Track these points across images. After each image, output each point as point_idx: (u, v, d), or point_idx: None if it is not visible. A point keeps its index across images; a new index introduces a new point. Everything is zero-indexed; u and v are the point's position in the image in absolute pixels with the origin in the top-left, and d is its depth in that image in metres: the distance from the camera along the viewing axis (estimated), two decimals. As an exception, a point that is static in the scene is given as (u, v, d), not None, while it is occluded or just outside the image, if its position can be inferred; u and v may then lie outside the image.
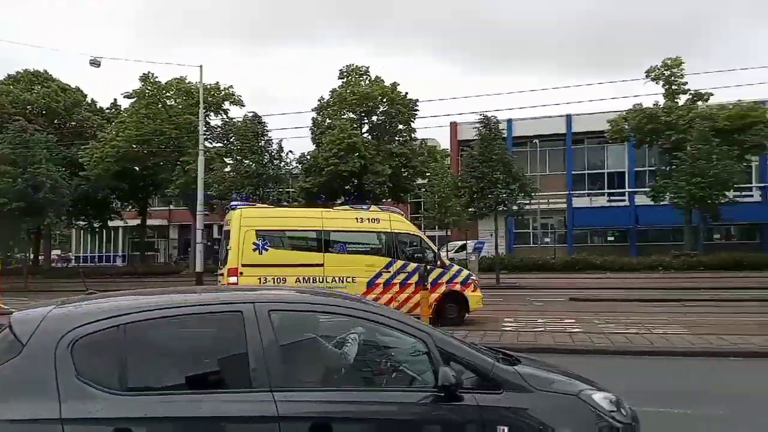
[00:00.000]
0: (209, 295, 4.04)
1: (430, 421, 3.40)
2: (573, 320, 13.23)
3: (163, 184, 37.31)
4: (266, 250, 11.81)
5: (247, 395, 3.14)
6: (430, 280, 12.36)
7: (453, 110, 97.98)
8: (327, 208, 15.26)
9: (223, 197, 30.27)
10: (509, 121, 38.82)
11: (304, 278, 11.82)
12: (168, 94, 37.77)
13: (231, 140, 34.96)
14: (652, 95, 32.03)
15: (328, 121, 34.87)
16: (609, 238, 40.88)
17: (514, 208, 26.19)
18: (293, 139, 72.49)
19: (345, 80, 36.14)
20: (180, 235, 51.43)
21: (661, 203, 31.99)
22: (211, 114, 37.31)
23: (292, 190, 35.53)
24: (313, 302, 3.91)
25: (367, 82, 35.88)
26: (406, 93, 35.28)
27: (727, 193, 28.92)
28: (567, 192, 40.35)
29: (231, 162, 33.14)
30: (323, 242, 12.35)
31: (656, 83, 31.66)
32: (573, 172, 41.21)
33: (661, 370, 8.86)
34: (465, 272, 13.65)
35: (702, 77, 58.96)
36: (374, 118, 36.05)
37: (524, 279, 25.59)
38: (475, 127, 26.65)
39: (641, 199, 36.16)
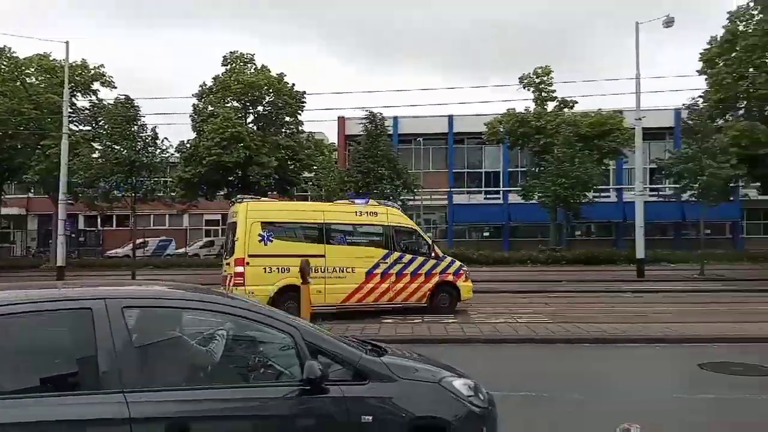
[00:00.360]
0: (56, 291, 3.73)
1: (295, 415, 3.40)
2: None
3: (20, 170, 33.74)
4: (271, 241, 12.28)
5: (96, 397, 2.96)
6: (423, 271, 13.38)
7: (341, 104, 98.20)
8: (328, 202, 15.38)
9: (89, 185, 28.01)
10: (395, 119, 39.68)
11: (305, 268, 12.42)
12: (28, 71, 34.18)
13: (100, 124, 32.41)
14: (524, 101, 34.43)
15: (210, 108, 33.49)
16: (485, 234, 43.22)
17: (398, 203, 26.83)
18: (170, 126, 68.63)
19: (229, 67, 34.90)
20: (40, 225, 46.94)
21: (531, 202, 34.42)
22: (78, 95, 34.32)
23: (170, 179, 33.73)
24: (173, 298, 3.72)
25: (253, 70, 34.92)
26: (293, 84, 34.85)
27: (587, 193, 31.72)
28: (448, 189, 42.08)
29: (100, 147, 30.68)
30: (324, 234, 12.82)
31: (528, 90, 33.98)
32: (454, 171, 43.05)
33: (524, 356, 9.55)
34: (457, 263, 14.23)
35: (569, 86, 64.10)
36: (260, 108, 35.19)
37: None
38: (362, 123, 26.95)
39: (514, 198, 38.63)
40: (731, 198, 32.00)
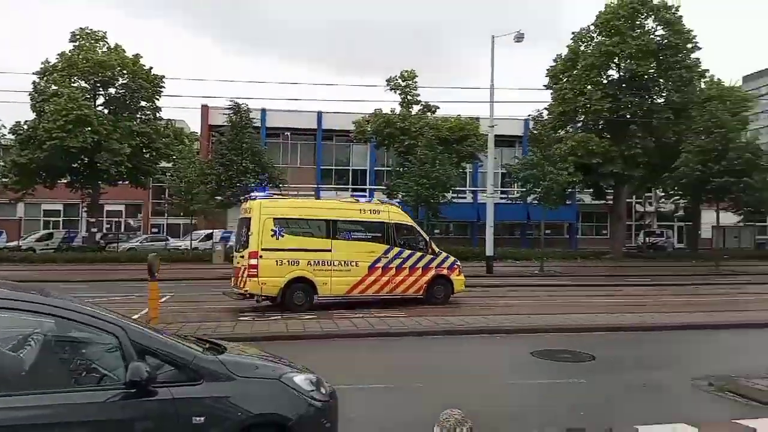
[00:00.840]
0: None
1: (117, 420, 3.19)
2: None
3: None
4: (282, 236, 13.07)
5: None
6: (420, 265, 14.38)
7: (206, 92, 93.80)
8: (334, 200, 16.34)
9: None
10: (263, 111, 38.82)
11: (314, 261, 13.31)
12: None
13: None
14: (392, 102, 35.47)
15: (53, 87, 30.25)
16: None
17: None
18: (5, 104, 61.02)
19: (77, 44, 31.78)
20: None
21: (395, 201, 35.46)
22: None
23: (1, 164, 29.97)
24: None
25: (105, 49, 32.13)
26: (151, 67, 32.62)
27: (446, 194, 33.42)
28: (316, 185, 42.04)
29: None
30: (331, 230, 13.65)
31: (394, 92, 35.03)
32: (322, 167, 43.10)
33: (376, 349, 9.83)
34: (451, 258, 15.11)
35: (433, 91, 66.97)
36: (112, 90, 32.50)
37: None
38: (226, 113, 25.98)
39: (380, 196, 39.56)
40: (569, 202, 35.57)
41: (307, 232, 13.67)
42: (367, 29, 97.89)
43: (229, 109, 25.14)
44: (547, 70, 36.51)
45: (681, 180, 27.21)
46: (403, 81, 34.81)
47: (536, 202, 26.77)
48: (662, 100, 33.99)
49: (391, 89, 34.89)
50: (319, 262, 13.39)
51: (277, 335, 10.18)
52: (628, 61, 33.05)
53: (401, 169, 34.28)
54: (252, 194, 14.13)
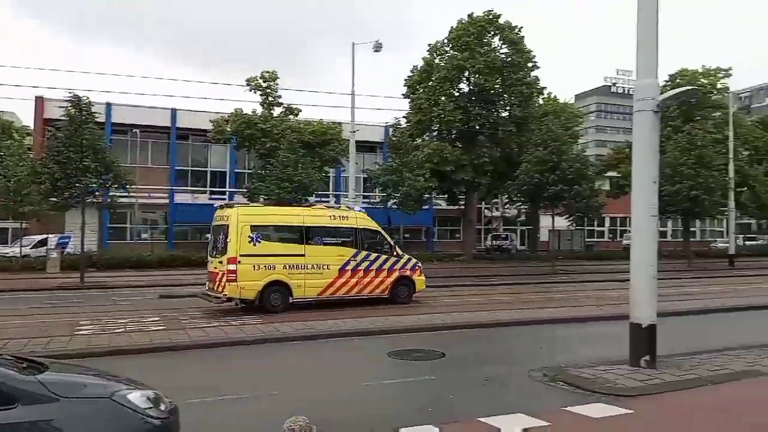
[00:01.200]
0: None
1: None
2: (157, 318, 12.95)
3: None
4: (259, 242, 13.76)
5: None
6: (386, 267, 15.46)
7: (41, 82, 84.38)
8: (307, 207, 16.79)
9: None
10: (108, 105, 35.79)
11: (289, 265, 14.05)
12: None
13: None
14: (252, 103, 34.52)
15: None
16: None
17: (107, 200, 24.17)
18: None
19: None
20: None
21: (256, 204, 34.66)
22: None
23: None
24: None
25: None
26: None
27: (309, 198, 33.30)
28: (170, 187, 39.62)
29: None
30: (304, 236, 14.47)
31: (255, 93, 34.21)
32: (177, 168, 40.73)
33: (230, 358, 9.47)
34: (413, 261, 16.23)
35: (296, 94, 66.42)
36: None
37: (115, 277, 23.85)
38: (64, 106, 23.47)
39: (240, 199, 38.34)
40: (426, 207, 37.26)
41: (282, 238, 14.48)
42: (231, 30, 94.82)
43: (67, 101, 22.72)
44: (405, 79, 38.00)
45: (522, 187, 29.72)
46: (264, 82, 34.11)
47: (396, 206, 27.64)
48: (506, 113, 36.95)
49: (251, 90, 34.02)
50: (293, 266, 14.17)
51: (120, 349, 9.40)
52: (477, 75, 35.47)
53: (263, 172, 33.55)
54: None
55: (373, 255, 15.38)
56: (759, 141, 48.24)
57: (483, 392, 7.39)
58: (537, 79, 37.01)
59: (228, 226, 13.72)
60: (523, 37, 36.45)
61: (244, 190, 36.30)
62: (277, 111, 35.27)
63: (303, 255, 14.30)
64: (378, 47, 24.66)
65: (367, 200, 39.30)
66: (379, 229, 16.20)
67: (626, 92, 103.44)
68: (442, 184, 35.40)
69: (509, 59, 35.79)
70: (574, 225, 42.76)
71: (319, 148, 34.93)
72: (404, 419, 6.05)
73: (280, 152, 31.96)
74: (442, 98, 35.13)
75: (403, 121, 37.19)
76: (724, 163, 33.44)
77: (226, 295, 13.59)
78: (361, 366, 9.25)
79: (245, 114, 33.81)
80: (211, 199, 41.16)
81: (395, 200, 27.01)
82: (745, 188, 40.54)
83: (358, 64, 25.87)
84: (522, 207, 37.81)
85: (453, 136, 36.69)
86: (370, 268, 15.28)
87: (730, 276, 26.93)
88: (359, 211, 16.43)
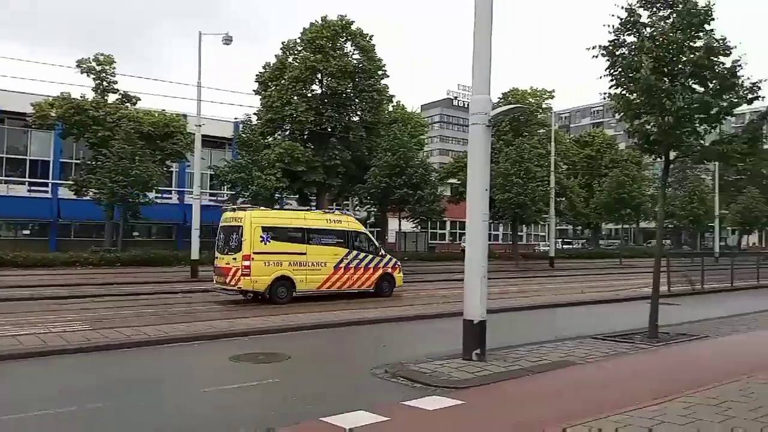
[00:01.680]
0: None
1: None
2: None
3: None
4: (269, 241, 15.59)
5: None
6: (372, 265, 17.48)
7: None
8: (309, 211, 19.01)
9: None
10: None
11: (293, 262, 15.83)
12: None
13: None
14: (85, 87, 31.32)
15: None
16: (25, 232, 37.26)
17: None
18: None
19: None
20: None
21: (85, 198, 31.51)
22: None
23: None
24: None
25: None
26: None
27: (148, 193, 31.04)
28: (-23, 175, 34.49)
29: None
30: (306, 236, 16.30)
31: (87, 76, 31.12)
32: (-14, 154, 35.62)
33: (57, 369, 8.47)
34: (394, 260, 18.43)
35: (134, 80, 61.57)
36: None
37: None
38: None
39: (65, 192, 34.57)
40: (277, 206, 36.64)
41: (288, 238, 16.13)
42: (69, 10, 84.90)
43: None
44: (257, 75, 37.14)
45: (371, 190, 30.66)
46: (98, 65, 31.15)
47: (246, 205, 26.83)
48: (358, 118, 37.82)
49: (82, 72, 30.87)
50: (297, 263, 15.98)
51: None
52: (330, 78, 35.83)
53: (94, 164, 30.64)
54: (240, 204, 16.25)
55: (362, 254, 17.36)
56: (575, 156, 54.82)
57: (327, 391, 7.44)
58: (387, 87, 38.38)
59: (242, 227, 15.54)
60: (374, 45, 37.58)
61: (71, 182, 32.82)
62: (112, 98, 32.45)
63: (305, 253, 16.20)
64: (228, 40, 23.75)
65: (214, 198, 37.68)
66: (366, 232, 18.60)
67: (465, 106, 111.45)
68: (293, 185, 35.14)
69: (361, 65, 36.66)
70: (419, 227, 44.96)
71: (160, 141, 32.79)
72: (245, 425, 5.87)
73: (115, 143, 29.45)
74: (295, 98, 34.92)
75: (253, 118, 36.29)
76: (547, 175, 37.47)
77: (240, 287, 15.40)
78: (200, 372, 8.80)
79: (74, 98, 30.59)
80: (30, 191, 36.63)
81: (244, 199, 26.22)
82: (563, 198, 45.77)
83: (208, 57, 24.80)
84: (371, 209, 38.89)
85: (305, 136, 36.63)
86: (359, 265, 17.26)
87: (551, 276, 30.18)
88: (345, 214, 18.89)
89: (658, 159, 10.86)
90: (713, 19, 9.66)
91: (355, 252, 17.18)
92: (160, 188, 33.72)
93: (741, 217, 61.09)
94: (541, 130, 46.11)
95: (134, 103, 33.14)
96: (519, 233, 47.39)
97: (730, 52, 9.66)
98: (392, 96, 40.07)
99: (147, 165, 29.89)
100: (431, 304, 16.27)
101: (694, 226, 56.27)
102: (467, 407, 6.40)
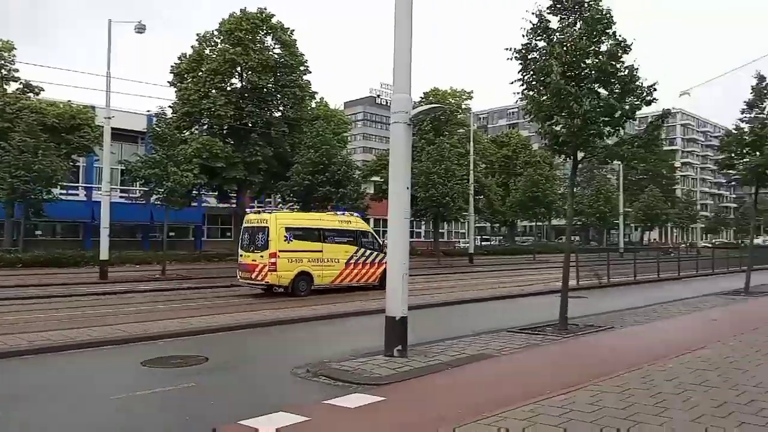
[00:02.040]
0: None
1: None
2: None
3: None
4: (291, 240, 17.52)
5: None
6: (377, 261, 19.12)
7: None
8: (324, 213, 22.10)
9: None
10: None
11: (311, 259, 17.88)
12: None
13: None
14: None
15: None
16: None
17: None
18: None
19: None
20: None
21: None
22: None
23: None
24: None
25: None
26: None
27: (52, 189, 29.04)
28: None
29: None
30: (322, 236, 18.47)
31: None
32: None
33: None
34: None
35: (37, 69, 57.48)
36: None
37: None
38: None
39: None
40: (195, 204, 35.40)
41: (307, 237, 17.93)
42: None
43: None
44: (172, 66, 35.63)
45: (294, 188, 30.21)
46: (-5, 51, 28.79)
47: (159, 202, 25.70)
48: (279, 113, 37.15)
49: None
50: (314, 259, 17.83)
51: None
52: (250, 72, 34.98)
53: (-9, 158, 28.31)
54: (264, 207, 17.72)
55: (368, 252, 19.17)
56: (493, 156, 56.73)
57: (246, 393, 7.27)
58: (309, 83, 37.96)
59: (267, 228, 17.36)
60: (295, 40, 37.05)
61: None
62: (12, 87, 30.09)
63: (321, 251, 18.10)
64: (141, 29, 22.59)
65: (126, 194, 35.84)
66: (371, 231, 20.55)
67: (388, 104, 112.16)
68: (212, 181, 34.02)
69: (282, 60, 36.01)
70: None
71: (66, 134, 30.79)
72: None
73: (16, 135, 27.34)
74: (213, 91, 33.81)
75: (168, 111, 34.75)
76: (466, 174, 38.53)
77: (268, 282, 17.18)
78: (110, 379, 8.31)
79: (-34, 87, 28.12)
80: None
81: (159, 195, 25.05)
82: (482, 196, 47.25)
83: (120, 47, 23.35)
84: (294, 207, 38.37)
85: (224, 131, 35.54)
86: (366, 261, 19.08)
87: (470, 272, 31.09)
88: (353, 215, 20.72)
89: (568, 159, 11.44)
90: (614, 23, 10.29)
91: (362, 249, 19.16)
92: (65, 184, 31.63)
93: (643, 215, 65.76)
94: (461, 130, 47.34)
95: (37, 93, 30.89)
96: (440, 230, 48.47)
97: (630, 49, 10.32)
98: (315, 92, 39.69)
99: (51, 159, 27.96)
100: (351, 302, 16.29)
101: (601, 223, 59.91)
102: (388, 403, 6.46)
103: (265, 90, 35.54)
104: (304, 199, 31.39)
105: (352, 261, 18.80)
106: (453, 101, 48.03)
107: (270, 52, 35.86)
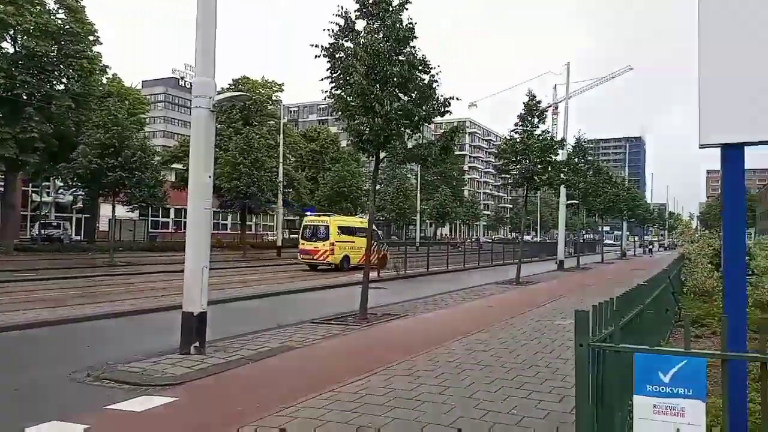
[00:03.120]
0: None
1: None
2: None
3: None
4: (340, 234, 27.08)
5: None
6: (380, 249, 26.01)
7: None
8: (357, 216, 37.58)
9: None
10: None
11: (349, 247, 27.24)
12: None
13: None
14: None
15: None
16: None
17: None
18: None
19: None
20: None
21: None
22: None
23: None
24: None
25: None
26: None
27: None
28: None
29: None
30: (354, 232, 28.05)
31: None
32: None
33: None
34: (386, 246, 30.10)
35: None
36: None
37: None
38: None
39: None
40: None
41: (347, 232, 27.75)
42: None
43: None
44: None
45: (78, 170, 26.89)
46: None
47: None
48: (62, 87, 32.80)
49: None
50: (351, 247, 27.29)
51: None
52: (26, 37, 30.34)
53: None
54: (326, 213, 29.96)
55: (375, 243, 22.38)
56: (303, 150, 57.15)
57: (15, 403, 6.29)
58: (100, 55, 34.15)
59: (328, 225, 27.05)
60: (84, 6, 33.04)
61: None
62: None
63: (354, 242, 27.31)
64: None
65: None
66: (375, 228, 22.63)
67: (191, 87, 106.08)
68: None
69: (67, 26, 31.79)
70: (138, 215, 41.42)
71: None
72: None
73: None
74: None
75: None
76: (276, 166, 38.19)
77: (329, 262, 26.25)
78: None
79: None
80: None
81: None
82: (291, 189, 47.33)
83: None
84: (79, 193, 34.16)
85: None
86: (374, 249, 21.75)
87: (277, 265, 30.89)
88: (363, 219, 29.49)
89: (371, 157, 11.99)
90: (416, 37, 11.08)
91: (374, 242, 22.84)
92: None
93: (436, 212, 71.91)
94: (271, 122, 46.84)
95: None
96: (248, 223, 47.38)
97: (429, 71, 11.23)
98: (107, 66, 35.81)
99: None
100: (145, 297, 15.13)
101: (401, 219, 64.09)
102: (180, 404, 6.11)
103: (45, 59, 31.02)
104: (90, 185, 28.10)
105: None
106: (264, 92, 47.29)
107: (51, 16, 31.39)
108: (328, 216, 28.50)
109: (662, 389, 2.70)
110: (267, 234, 61.13)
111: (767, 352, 2.63)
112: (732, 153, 3.31)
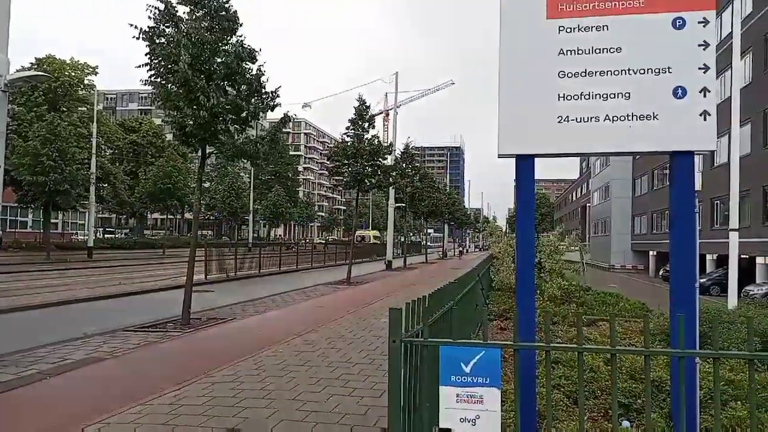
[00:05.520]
0: None
1: None
2: None
3: None
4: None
5: None
6: None
7: None
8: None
9: None
10: None
11: None
12: None
13: None
14: None
15: None
16: None
17: None
18: None
19: None
20: None
21: None
22: None
23: None
24: None
25: None
26: None
27: None
28: None
29: None
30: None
31: None
32: None
33: None
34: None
35: None
36: None
37: None
38: None
39: None
40: None
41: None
42: None
43: None
44: None
45: None
46: None
47: None
48: None
49: None
50: None
51: None
52: None
53: None
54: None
55: None
56: (121, 141, 52.44)
57: None
58: None
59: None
60: None
61: None
62: None
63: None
64: None
65: None
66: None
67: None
68: None
69: None
70: None
71: None
72: None
73: None
74: None
75: None
76: (88, 158, 34.48)
77: None
78: None
79: None
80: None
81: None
82: (107, 184, 43.13)
83: None
84: None
85: None
86: None
87: (89, 267, 27.87)
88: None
89: (197, 152, 11.36)
90: (241, 25, 10.71)
91: None
92: None
93: (270, 212, 70.76)
94: (83, 108, 42.23)
95: None
96: (53, 220, 42.10)
97: (256, 60, 10.93)
98: None
99: None
100: None
101: (233, 218, 61.93)
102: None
103: None
104: None
105: None
106: (73, 74, 42.43)
107: None
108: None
109: (464, 379, 2.91)
110: (77, 233, 54.90)
111: (550, 341, 2.99)
112: (524, 164, 3.95)
